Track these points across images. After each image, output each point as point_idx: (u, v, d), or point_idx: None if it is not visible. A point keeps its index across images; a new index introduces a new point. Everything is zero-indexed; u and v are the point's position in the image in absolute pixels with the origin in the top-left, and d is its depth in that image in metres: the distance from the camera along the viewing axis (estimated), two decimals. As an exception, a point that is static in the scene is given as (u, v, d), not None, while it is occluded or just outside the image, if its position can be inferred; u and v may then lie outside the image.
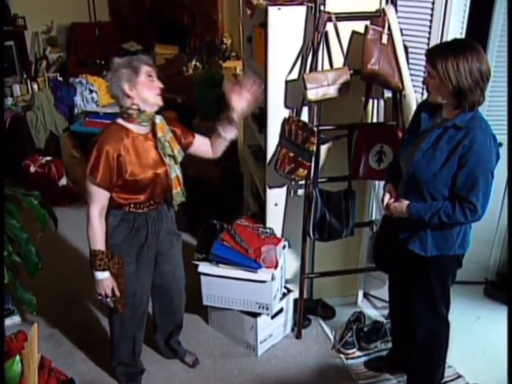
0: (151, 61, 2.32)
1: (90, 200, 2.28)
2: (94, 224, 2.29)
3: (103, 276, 2.32)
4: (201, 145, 2.57)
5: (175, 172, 2.41)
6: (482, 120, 2.11)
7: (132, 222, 2.37)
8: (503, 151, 3.05)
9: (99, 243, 2.30)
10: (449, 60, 1.98)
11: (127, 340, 2.64)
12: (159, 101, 2.29)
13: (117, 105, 2.31)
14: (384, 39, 2.57)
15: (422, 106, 2.31)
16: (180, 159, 2.42)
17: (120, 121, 2.31)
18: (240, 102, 2.47)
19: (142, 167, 2.29)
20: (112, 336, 2.66)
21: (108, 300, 2.38)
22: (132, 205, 2.35)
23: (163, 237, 2.53)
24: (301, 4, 2.66)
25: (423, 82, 2.16)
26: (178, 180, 2.43)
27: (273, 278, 2.81)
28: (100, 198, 2.28)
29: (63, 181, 4.78)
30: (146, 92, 2.25)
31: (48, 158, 4.85)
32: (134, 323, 2.60)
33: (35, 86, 5.62)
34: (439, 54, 2.02)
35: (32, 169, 4.74)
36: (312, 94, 2.59)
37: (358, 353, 2.99)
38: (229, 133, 2.53)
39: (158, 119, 2.36)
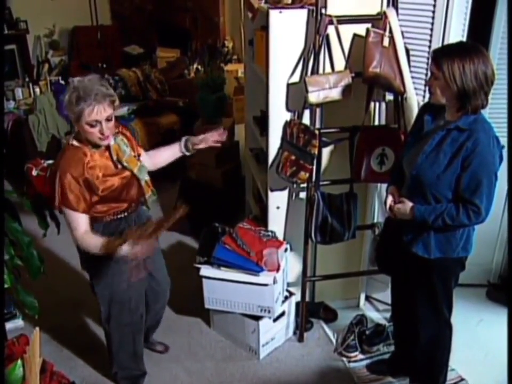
0: (110, 93, 2.18)
1: (72, 228, 2.25)
2: (84, 240, 2.26)
3: (125, 247, 2.15)
4: (146, 160, 2.53)
5: (144, 177, 2.41)
6: (485, 122, 2.10)
7: (114, 229, 2.37)
8: (504, 153, 3.07)
9: (98, 242, 2.24)
10: (456, 62, 1.98)
11: (127, 345, 2.64)
12: (102, 143, 2.23)
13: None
14: (386, 41, 2.57)
15: (424, 108, 2.31)
16: (144, 171, 2.43)
17: (74, 142, 2.26)
18: (203, 143, 2.58)
19: (109, 177, 2.28)
20: (110, 344, 2.66)
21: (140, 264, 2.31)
22: (112, 213, 2.36)
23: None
24: (302, 7, 2.66)
25: (425, 84, 2.15)
26: (148, 184, 2.45)
27: (275, 281, 2.80)
28: (80, 221, 2.25)
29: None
30: (87, 135, 2.20)
31: (50, 162, 4.81)
32: (133, 327, 2.61)
33: (37, 90, 5.63)
34: (445, 55, 2.02)
35: (34, 172, 4.71)
36: (313, 97, 2.59)
37: (360, 356, 2.99)
38: (186, 152, 2.59)
39: (113, 141, 2.29)
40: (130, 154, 2.37)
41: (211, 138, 2.59)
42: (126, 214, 2.42)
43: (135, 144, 2.49)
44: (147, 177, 2.45)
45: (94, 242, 2.25)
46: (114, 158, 2.31)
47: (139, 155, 2.49)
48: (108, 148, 2.30)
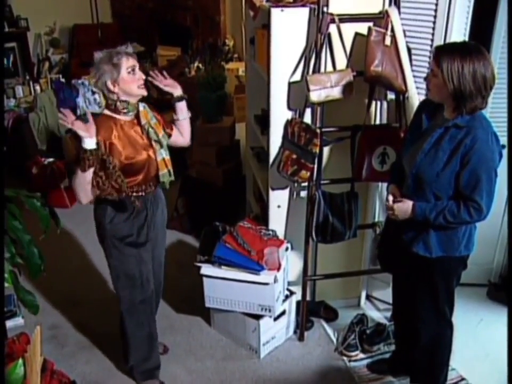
0: (131, 50, 2.39)
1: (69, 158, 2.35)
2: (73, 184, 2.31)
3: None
4: (178, 136, 2.66)
5: (161, 154, 2.49)
6: (483, 119, 2.10)
7: (131, 206, 2.43)
8: (504, 153, 3.07)
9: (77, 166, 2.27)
10: (456, 61, 1.97)
11: (142, 326, 2.66)
12: (142, 92, 2.38)
13: (103, 97, 2.42)
14: (387, 40, 2.56)
15: (422, 105, 2.30)
16: (165, 143, 2.52)
17: (107, 112, 2.40)
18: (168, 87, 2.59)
19: (135, 150, 2.38)
20: (125, 330, 2.67)
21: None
22: (130, 189, 2.40)
23: (158, 221, 2.62)
24: (304, 5, 2.65)
25: (425, 79, 2.15)
26: (165, 162, 2.51)
27: (275, 280, 2.80)
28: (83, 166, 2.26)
29: (66, 182, 4.78)
30: (128, 86, 2.34)
31: (51, 160, 4.85)
32: (146, 306, 2.63)
33: (37, 88, 5.63)
34: (446, 53, 2.01)
35: (35, 170, 4.74)
36: (315, 96, 2.58)
37: (361, 355, 2.98)
38: (181, 114, 2.62)
39: (141, 107, 2.46)
40: (156, 122, 2.50)
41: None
42: (143, 193, 2.46)
43: (163, 123, 2.57)
44: (165, 155, 2.51)
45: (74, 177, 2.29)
46: (143, 121, 2.43)
47: (169, 135, 2.59)
48: (137, 116, 2.43)
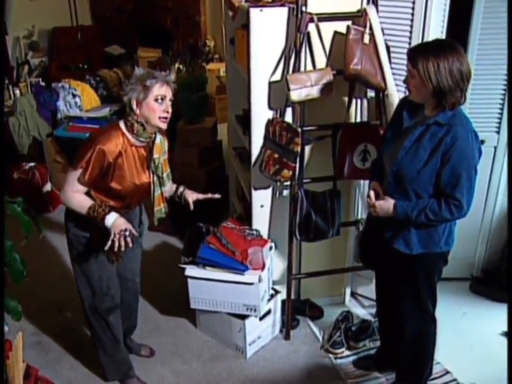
0: (172, 80, 2.31)
1: (67, 187, 2.30)
2: (72, 198, 2.29)
3: (112, 216, 2.24)
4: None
5: (159, 190, 2.47)
6: (463, 117, 2.13)
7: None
8: (505, 152, 3.10)
9: (87, 203, 2.27)
10: (430, 60, 1.99)
11: (105, 329, 2.63)
12: (162, 125, 2.31)
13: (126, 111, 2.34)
14: (366, 39, 2.58)
15: (403, 103, 2.32)
16: (166, 182, 2.51)
17: (122, 125, 2.34)
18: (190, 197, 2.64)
19: (126, 179, 2.33)
20: (93, 333, 2.68)
21: (127, 234, 2.24)
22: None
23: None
24: (283, 5, 2.66)
25: (404, 81, 2.17)
26: (162, 197, 2.50)
27: (260, 280, 2.80)
28: (78, 189, 2.29)
29: (47, 187, 4.74)
30: (150, 113, 2.27)
31: (32, 164, 4.80)
32: (103, 310, 2.59)
33: (17, 92, 5.55)
34: (420, 53, 2.03)
35: (16, 175, 4.69)
36: (295, 95, 2.59)
37: (347, 352, 3.00)
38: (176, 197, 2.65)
39: (158, 139, 2.41)
40: (165, 159, 2.47)
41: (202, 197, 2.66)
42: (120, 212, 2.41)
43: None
44: (163, 190, 2.50)
45: (83, 200, 2.28)
46: (155, 155, 2.39)
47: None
48: (149, 149, 2.38)
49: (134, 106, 2.26)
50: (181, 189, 2.64)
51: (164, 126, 2.32)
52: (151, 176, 2.43)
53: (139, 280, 2.84)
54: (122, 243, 2.20)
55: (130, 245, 2.25)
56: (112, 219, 2.23)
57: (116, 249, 2.22)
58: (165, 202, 2.51)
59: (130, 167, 2.33)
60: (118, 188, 2.32)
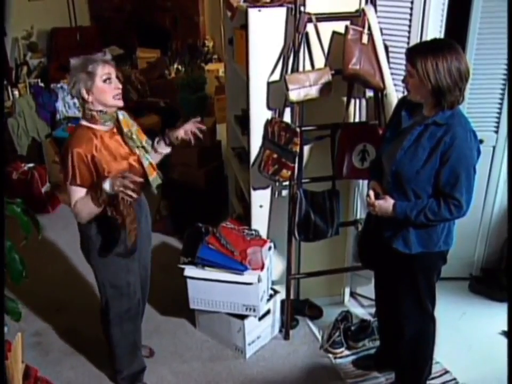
0: (109, 57, 2.33)
1: (72, 199, 2.29)
2: (76, 208, 2.28)
3: (107, 180, 2.20)
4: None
5: (147, 159, 2.47)
6: (462, 116, 2.13)
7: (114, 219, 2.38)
8: (504, 151, 3.10)
9: (85, 197, 2.26)
10: (429, 59, 1.99)
11: (128, 334, 2.64)
12: (118, 103, 2.32)
13: (79, 107, 2.35)
14: (365, 39, 2.58)
15: (402, 102, 2.32)
16: (149, 148, 2.50)
17: (84, 123, 2.34)
18: (183, 131, 2.58)
19: (116, 161, 2.34)
20: (110, 338, 2.65)
21: (126, 182, 2.17)
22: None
23: (143, 227, 2.58)
24: (281, 5, 2.66)
25: (403, 81, 2.17)
26: (152, 166, 2.49)
27: (259, 280, 2.81)
28: (80, 195, 2.29)
29: (47, 187, 4.74)
30: (103, 96, 2.28)
31: (31, 165, 4.80)
32: (132, 316, 2.61)
33: (16, 93, 5.56)
34: (419, 53, 2.04)
35: (15, 176, 4.69)
36: (294, 95, 2.59)
37: (346, 352, 3.00)
38: (164, 150, 2.60)
39: (121, 115, 2.40)
40: (137, 128, 2.47)
41: (190, 128, 2.58)
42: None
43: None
44: (151, 159, 2.49)
45: (84, 199, 2.26)
46: (125, 130, 2.38)
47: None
48: (117, 126, 2.37)
49: (85, 95, 2.26)
50: (157, 139, 2.59)
51: (120, 103, 2.32)
52: (134, 151, 2.42)
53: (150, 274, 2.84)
54: (129, 192, 2.16)
55: (135, 196, 2.23)
56: (108, 181, 2.20)
57: (127, 200, 2.23)
58: (156, 169, 2.50)
59: (111, 153, 2.33)
60: (116, 174, 2.30)
